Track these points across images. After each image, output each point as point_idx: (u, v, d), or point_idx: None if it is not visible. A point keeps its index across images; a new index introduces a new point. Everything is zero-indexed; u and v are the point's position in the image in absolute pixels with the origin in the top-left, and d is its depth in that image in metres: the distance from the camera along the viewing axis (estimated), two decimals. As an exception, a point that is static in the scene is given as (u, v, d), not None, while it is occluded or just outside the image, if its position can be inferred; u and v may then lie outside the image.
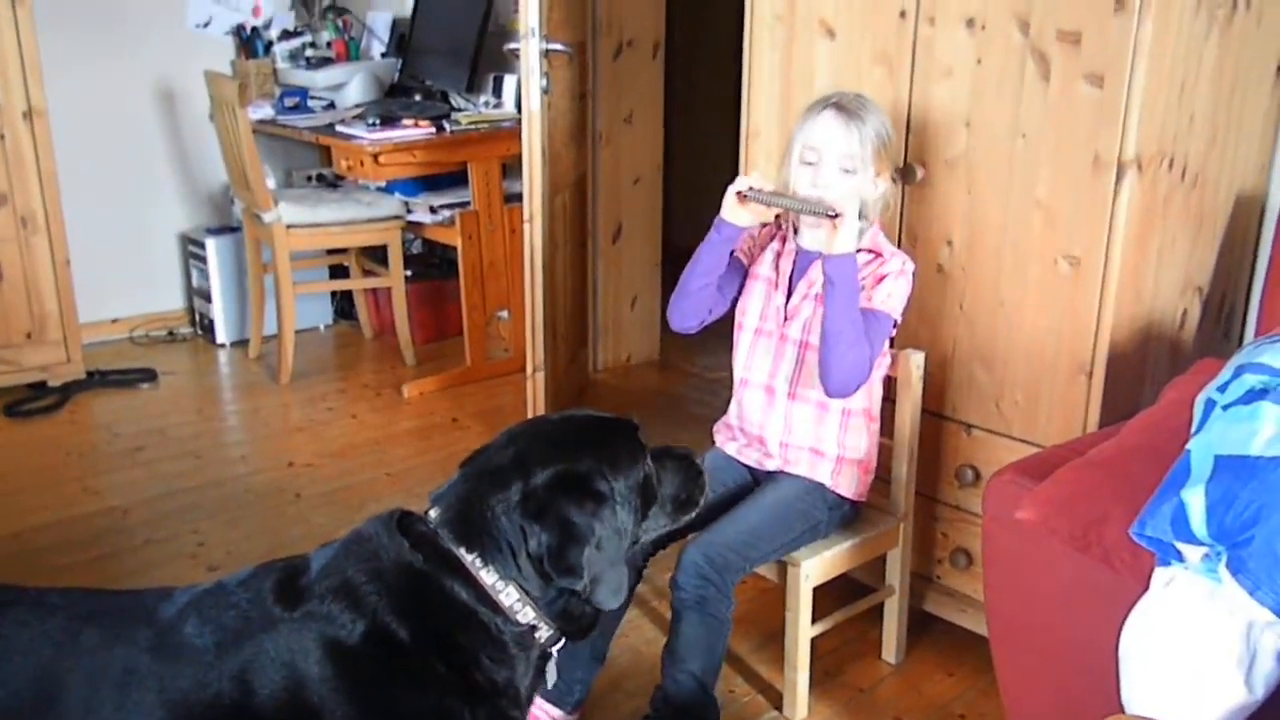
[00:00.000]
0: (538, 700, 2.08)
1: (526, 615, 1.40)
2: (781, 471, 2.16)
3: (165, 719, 1.23)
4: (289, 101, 4.12)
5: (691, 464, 1.64)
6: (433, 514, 1.46)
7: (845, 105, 2.03)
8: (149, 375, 3.91)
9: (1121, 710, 1.48)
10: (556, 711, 2.11)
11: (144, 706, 1.24)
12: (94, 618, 1.30)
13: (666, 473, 1.59)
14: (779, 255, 2.16)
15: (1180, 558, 1.46)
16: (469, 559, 1.39)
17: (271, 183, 4.21)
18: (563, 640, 1.48)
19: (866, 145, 2.01)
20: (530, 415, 3.20)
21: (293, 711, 1.24)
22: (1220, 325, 2.33)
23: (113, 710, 1.24)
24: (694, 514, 1.67)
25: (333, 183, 4.35)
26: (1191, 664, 1.43)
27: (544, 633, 1.43)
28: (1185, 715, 1.41)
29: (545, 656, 1.47)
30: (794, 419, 2.14)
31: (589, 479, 1.43)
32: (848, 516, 2.20)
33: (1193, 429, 1.56)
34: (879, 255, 2.07)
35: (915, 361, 2.19)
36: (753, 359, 2.18)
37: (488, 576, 1.38)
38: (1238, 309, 2.35)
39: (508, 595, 1.39)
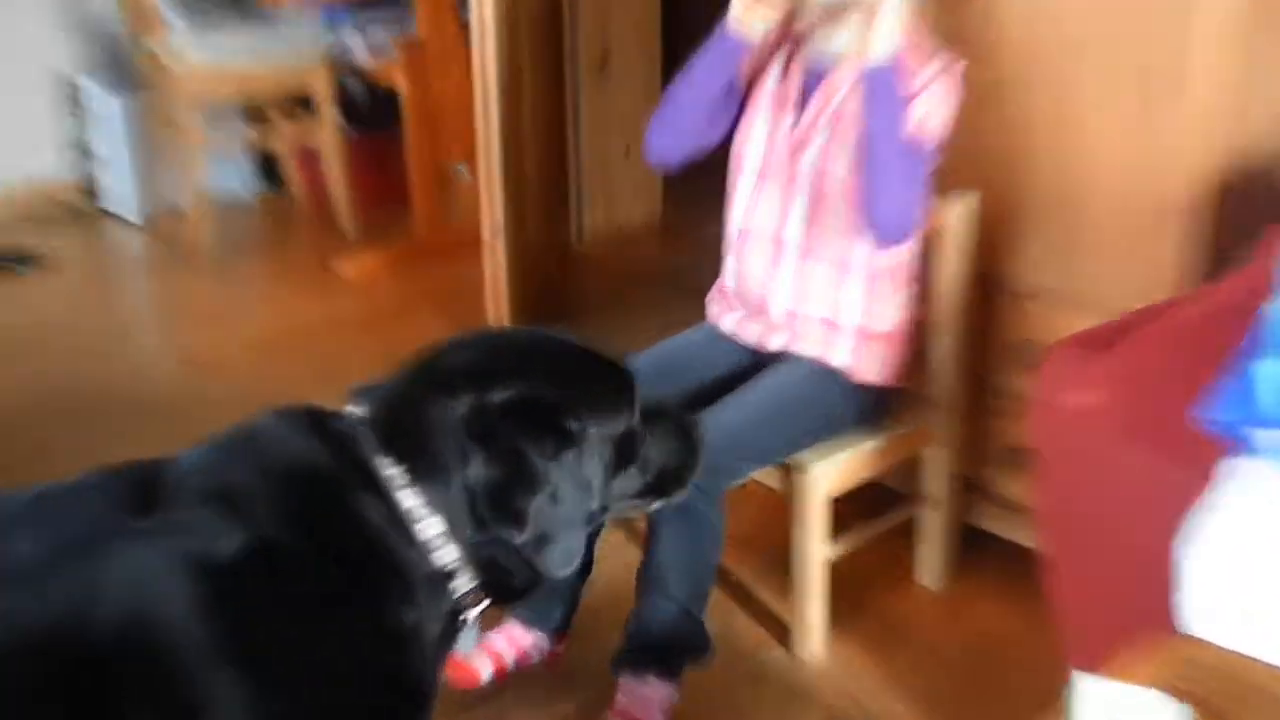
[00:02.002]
0: (509, 624, 2.13)
1: (446, 555, 1.38)
2: (787, 351, 2.17)
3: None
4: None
5: (689, 433, 1.60)
6: (355, 411, 1.43)
7: None
8: (29, 258, 3.95)
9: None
10: (530, 636, 2.13)
11: None
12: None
13: (655, 436, 1.55)
14: (787, 69, 2.14)
15: (1253, 445, 1.47)
16: (393, 472, 1.37)
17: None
18: (484, 603, 1.45)
19: None
20: (491, 293, 3.22)
21: (136, 641, 1.26)
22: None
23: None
24: (678, 496, 1.61)
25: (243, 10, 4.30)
26: (1263, 575, 1.44)
27: (462, 583, 1.40)
28: (1254, 638, 1.42)
29: (459, 613, 1.44)
30: (807, 279, 2.12)
31: (556, 412, 1.41)
32: (873, 408, 2.20)
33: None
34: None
35: (961, 211, 2.18)
36: (756, 205, 2.17)
37: (410, 498, 1.37)
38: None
39: (429, 526, 1.37)
